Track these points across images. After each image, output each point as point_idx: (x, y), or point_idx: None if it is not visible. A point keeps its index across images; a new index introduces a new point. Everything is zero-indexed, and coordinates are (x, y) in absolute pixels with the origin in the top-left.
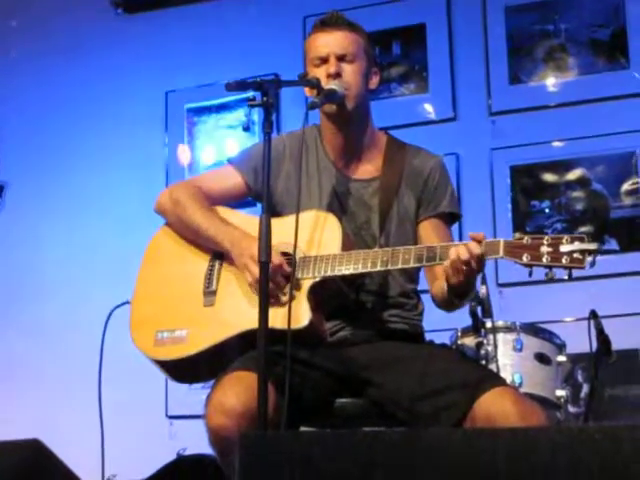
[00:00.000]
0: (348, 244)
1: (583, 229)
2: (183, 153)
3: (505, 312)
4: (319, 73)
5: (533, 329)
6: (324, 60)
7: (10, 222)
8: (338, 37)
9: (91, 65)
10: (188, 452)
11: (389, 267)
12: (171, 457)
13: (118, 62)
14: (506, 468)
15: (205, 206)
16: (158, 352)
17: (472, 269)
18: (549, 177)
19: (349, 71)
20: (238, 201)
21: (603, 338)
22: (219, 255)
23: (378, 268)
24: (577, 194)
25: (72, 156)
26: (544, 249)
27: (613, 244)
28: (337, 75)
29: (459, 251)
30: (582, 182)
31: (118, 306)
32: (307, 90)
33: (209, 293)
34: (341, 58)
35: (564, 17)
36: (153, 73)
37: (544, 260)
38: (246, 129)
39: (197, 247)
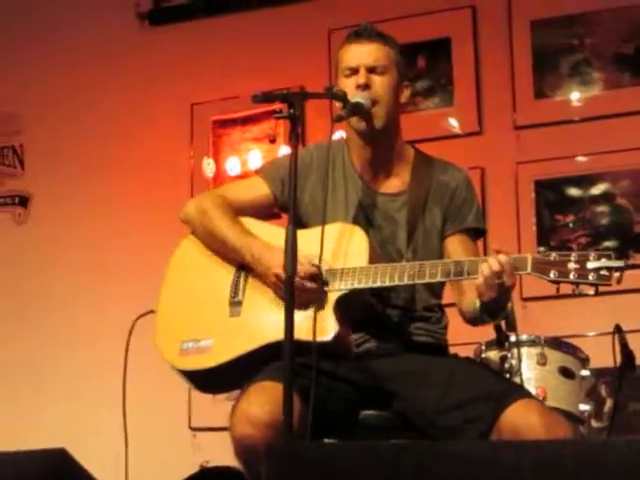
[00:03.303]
0: (375, 257)
1: (607, 244)
2: (208, 166)
3: (529, 326)
4: (348, 84)
5: (557, 343)
6: (354, 71)
7: (35, 232)
8: (370, 49)
9: (116, 77)
10: (211, 464)
11: (416, 281)
12: (194, 469)
13: (143, 74)
14: None
15: (231, 217)
16: (183, 362)
17: (503, 284)
18: (574, 191)
19: (378, 83)
20: (265, 212)
21: (627, 353)
22: (245, 265)
23: (405, 282)
24: (601, 209)
25: (96, 168)
26: (571, 266)
27: (637, 259)
28: (366, 86)
29: (489, 263)
30: (606, 197)
31: (142, 315)
32: (336, 103)
33: (235, 303)
34: (371, 70)
35: (589, 32)
36: (178, 85)
37: (571, 277)
38: (272, 141)
39: (223, 257)
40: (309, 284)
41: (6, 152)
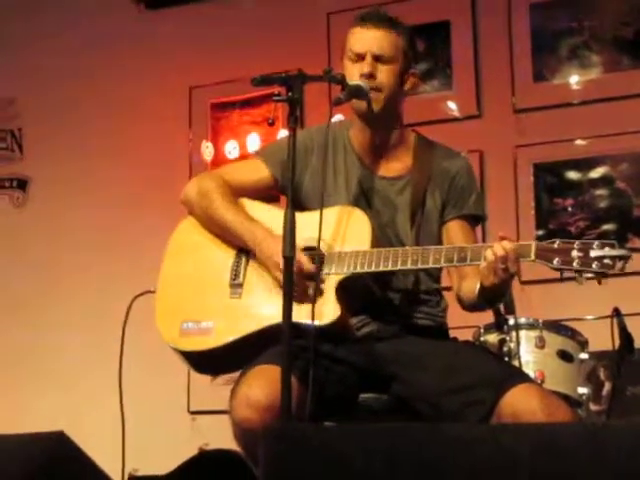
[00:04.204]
0: (376, 241)
1: (606, 227)
2: (207, 149)
3: (528, 309)
4: (354, 71)
5: (556, 326)
6: (360, 57)
7: (33, 216)
8: (377, 36)
9: (114, 61)
10: (210, 447)
11: (419, 266)
12: (193, 452)
13: (142, 58)
14: (530, 463)
15: (232, 200)
16: (184, 343)
17: (507, 270)
18: (573, 175)
19: (384, 72)
20: (264, 194)
21: (626, 336)
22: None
23: (408, 267)
24: (600, 192)
25: (95, 151)
26: (575, 254)
27: (636, 242)
28: (370, 76)
29: (494, 249)
30: (606, 180)
31: (138, 295)
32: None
33: (236, 285)
34: (377, 58)
35: (588, 15)
36: (177, 69)
37: (575, 265)
38: (271, 124)
39: (223, 239)
40: (306, 282)
41: (4, 136)
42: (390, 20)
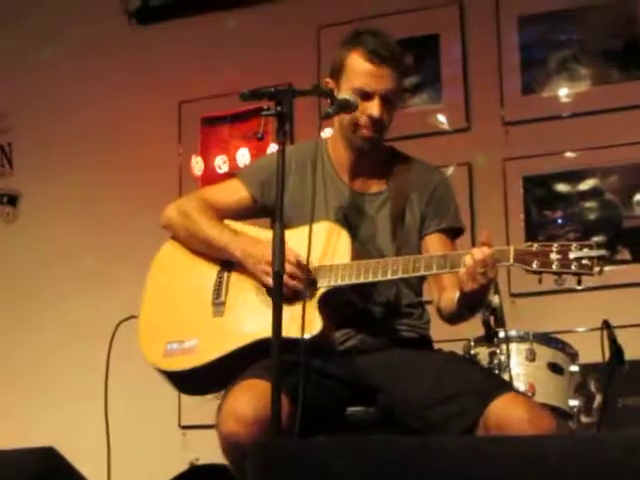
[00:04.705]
0: (356, 256)
1: (596, 239)
2: (197, 164)
3: (518, 322)
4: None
5: (546, 339)
6: (367, 95)
7: (24, 232)
8: (388, 77)
9: (105, 76)
10: (201, 462)
11: (400, 275)
12: (184, 467)
13: (131, 73)
14: (517, 476)
15: (214, 218)
16: (168, 363)
17: (486, 275)
18: (562, 187)
19: (388, 113)
20: (244, 215)
21: (616, 348)
22: (227, 266)
23: (389, 277)
24: (590, 204)
25: (85, 167)
26: (553, 256)
27: (626, 254)
28: (379, 119)
29: (473, 254)
30: (595, 192)
31: (124, 320)
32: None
33: (218, 304)
34: (385, 99)
35: (577, 28)
36: (166, 83)
37: (554, 267)
38: (260, 139)
39: (204, 259)
40: (293, 283)
41: None
42: (397, 54)
